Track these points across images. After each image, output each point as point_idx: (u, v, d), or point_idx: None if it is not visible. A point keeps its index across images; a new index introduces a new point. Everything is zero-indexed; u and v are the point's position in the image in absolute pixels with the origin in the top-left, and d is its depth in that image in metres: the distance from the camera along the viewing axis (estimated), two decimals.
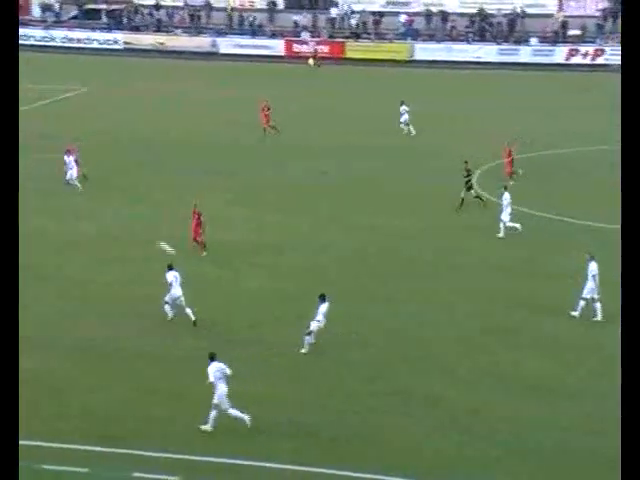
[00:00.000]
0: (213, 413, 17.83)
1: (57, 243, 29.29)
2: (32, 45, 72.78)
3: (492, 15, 71.75)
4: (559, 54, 67.44)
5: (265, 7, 75.82)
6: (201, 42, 72.99)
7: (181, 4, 77.21)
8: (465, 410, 19.34)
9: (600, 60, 66.07)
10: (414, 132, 44.85)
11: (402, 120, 45.22)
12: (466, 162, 33.30)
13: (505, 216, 29.88)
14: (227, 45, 72.59)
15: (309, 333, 21.45)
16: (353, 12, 74.10)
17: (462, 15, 72.16)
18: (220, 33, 73.96)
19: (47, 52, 71.42)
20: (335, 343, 22.02)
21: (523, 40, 69.24)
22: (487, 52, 68.64)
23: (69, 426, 18.11)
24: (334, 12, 74.46)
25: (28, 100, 51.10)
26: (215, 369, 17.84)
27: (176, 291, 22.98)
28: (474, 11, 71.96)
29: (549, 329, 23.23)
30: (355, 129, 46.24)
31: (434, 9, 72.71)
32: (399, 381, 20.45)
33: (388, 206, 33.63)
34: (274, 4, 75.77)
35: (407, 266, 27.62)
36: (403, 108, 45.44)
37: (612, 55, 65.35)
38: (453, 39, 70.66)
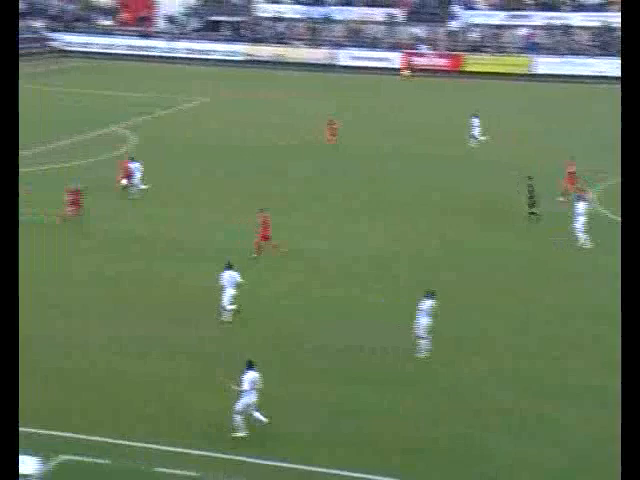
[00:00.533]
0: (238, 418, 17.69)
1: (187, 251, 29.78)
2: (157, 56, 75.08)
3: (617, 29, 70.14)
4: None
5: (384, 20, 76.06)
6: (320, 54, 73.72)
7: (301, 16, 78.20)
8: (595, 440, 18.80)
9: None
10: (475, 144, 43.47)
11: (473, 133, 43.90)
12: (530, 177, 32.66)
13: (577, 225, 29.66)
14: (345, 57, 73.12)
15: (420, 337, 21.24)
16: (473, 25, 73.63)
17: (585, 29, 70.85)
18: (339, 45, 74.58)
19: (171, 63, 73.34)
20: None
21: None
22: (609, 66, 67.11)
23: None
24: (454, 25, 74.11)
25: (150, 109, 52.70)
26: (251, 378, 17.71)
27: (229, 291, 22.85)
28: (598, 24, 70.55)
29: None
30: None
31: (556, 22, 71.61)
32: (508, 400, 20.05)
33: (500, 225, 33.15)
34: (393, 17, 75.93)
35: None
36: (475, 121, 44.10)
37: None
38: (575, 53, 69.40)
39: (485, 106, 54.01)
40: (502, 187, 36.75)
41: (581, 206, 29.91)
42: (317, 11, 78.06)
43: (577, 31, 70.78)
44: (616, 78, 64.71)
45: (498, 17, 74.20)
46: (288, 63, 72.65)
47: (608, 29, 69.93)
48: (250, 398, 17.71)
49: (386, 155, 42.60)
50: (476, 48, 72.35)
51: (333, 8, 77.84)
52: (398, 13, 76.24)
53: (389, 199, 35.09)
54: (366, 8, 77.34)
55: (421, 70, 69.66)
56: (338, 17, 76.93)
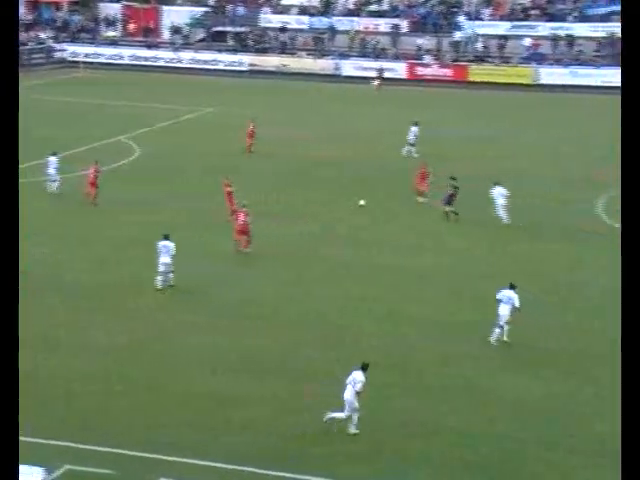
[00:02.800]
0: (355, 417, 18.54)
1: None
2: (161, 66, 75.19)
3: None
4: None
5: (389, 30, 76.11)
6: (324, 64, 73.76)
7: (305, 27, 78.29)
8: None
9: None
10: (416, 155, 43.02)
11: (409, 141, 43.70)
12: (453, 178, 34.16)
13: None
14: (350, 67, 73.16)
15: (501, 326, 22.94)
16: (477, 35, 73.63)
17: (590, 39, 70.78)
18: (343, 56, 74.62)
19: (175, 73, 73.45)
20: None
21: None
22: (615, 77, 66.98)
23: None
24: (458, 35, 74.12)
25: (154, 120, 52.80)
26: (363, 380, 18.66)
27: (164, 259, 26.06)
28: (603, 35, 70.48)
29: None
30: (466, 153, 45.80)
31: (561, 33, 71.58)
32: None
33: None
34: (397, 27, 75.98)
35: None
36: (414, 129, 43.89)
37: None
38: (580, 63, 69.32)
39: (489, 116, 54.03)
40: None
41: (496, 191, 33.26)
42: (322, 22, 78.16)
43: (582, 41, 70.66)
44: (619, 88, 64.78)
45: (503, 27, 74.18)
46: (292, 73, 72.71)
47: (613, 40, 69.85)
48: (356, 402, 18.59)
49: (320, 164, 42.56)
50: (480, 59, 72.32)
51: (338, 19, 77.92)
52: (402, 24, 76.28)
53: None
54: (371, 19, 77.42)
55: (426, 80, 69.61)
56: (343, 28, 76.99)
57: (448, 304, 25.94)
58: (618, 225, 32.09)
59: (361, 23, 77.08)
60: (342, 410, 18.58)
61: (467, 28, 74.13)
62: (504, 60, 71.67)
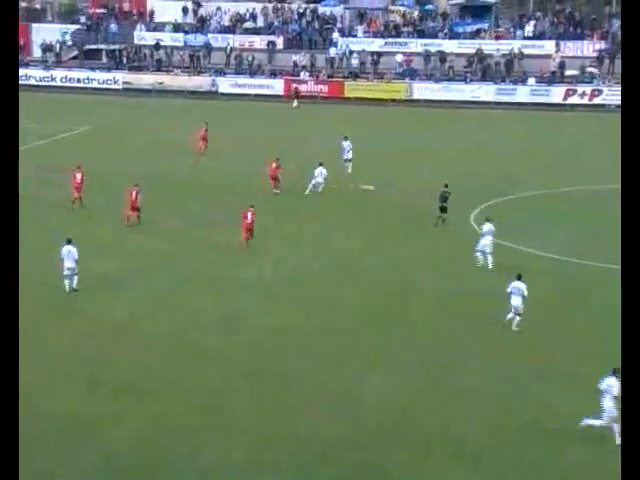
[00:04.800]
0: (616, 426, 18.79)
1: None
2: (32, 85, 73.32)
3: (490, 55, 72.35)
4: (556, 94, 67.84)
5: (264, 47, 76.42)
6: (200, 81, 73.45)
7: (181, 44, 77.82)
8: None
9: (597, 100, 66.49)
10: (350, 171, 44.04)
11: (344, 157, 44.53)
12: (446, 185, 35.31)
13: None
14: (226, 84, 73.09)
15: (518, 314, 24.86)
16: (352, 52, 74.71)
17: (460, 55, 72.76)
18: (219, 73, 74.50)
19: (48, 92, 71.80)
20: None
21: (521, 80, 69.72)
22: (485, 91, 69.10)
23: None
24: (333, 52, 75.03)
25: (26, 139, 51.38)
26: (609, 383, 19.13)
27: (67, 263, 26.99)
28: (472, 51, 72.58)
29: None
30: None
31: (432, 49, 73.35)
32: None
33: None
34: (273, 44, 76.38)
35: None
36: (347, 144, 44.85)
37: (609, 95, 65.82)
38: (451, 79, 71.18)
39: (361, 131, 54.78)
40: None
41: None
42: (197, 39, 77.87)
43: (452, 57, 72.54)
44: (490, 103, 66.98)
45: (377, 44, 75.49)
46: (168, 91, 72.11)
47: (483, 56, 72.03)
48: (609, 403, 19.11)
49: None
50: (356, 75, 73.38)
51: (213, 35, 77.78)
52: (278, 40, 76.73)
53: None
54: (246, 35, 77.58)
55: (302, 97, 70.08)
56: (218, 45, 76.89)
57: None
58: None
59: (237, 40, 77.16)
60: (600, 418, 19.12)
61: (341, 44, 75.18)
62: (378, 76, 72.91)
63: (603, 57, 69.88)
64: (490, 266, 30.19)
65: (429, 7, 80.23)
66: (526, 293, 24.94)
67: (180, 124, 57.52)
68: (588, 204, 39.19)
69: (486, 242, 30.64)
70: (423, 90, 70.27)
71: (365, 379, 22.22)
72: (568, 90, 67.55)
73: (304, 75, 73.02)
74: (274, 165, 40.95)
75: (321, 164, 40.76)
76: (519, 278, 25.28)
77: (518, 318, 25.22)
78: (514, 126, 60.16)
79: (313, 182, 40.59)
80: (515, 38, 74.25)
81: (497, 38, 74.42)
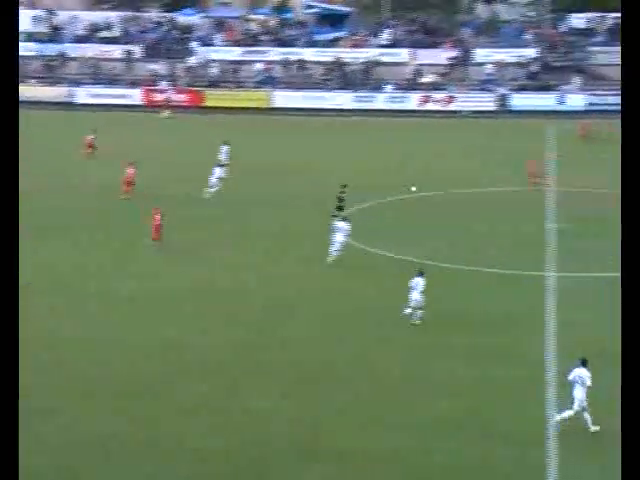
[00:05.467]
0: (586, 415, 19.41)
1: None
2: None
3: (348, 63, 73.55)
4: (413, 101, 69.61)
5: (122, 56, 75.34)
6: (57, 92, 71.78)
7: (34, 54, 75.76)
8: None
9: (452, 106, 68.60)
10: (224, 175, 44.09)
11: (221, 161, 45.03)
12: (344, 185, 37.28)
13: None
14: (84, 95, 71.68)
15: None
16: (211, 61, 74.57)
17: (319, 63, 73.69)
18: (76, 83, 72.99)
19: None
20: None
21: (378, 87, 71.18)
22: (344, 99, 70.22)
23: None
24: (192, 61, 74.69)
25: None
26: (577, 373, 19.55)
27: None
28: (331, 59, 73.63)
29: None
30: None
31: (292, 57, 74.00)
32: None
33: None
34: (131, 53, 75.40)
35: None
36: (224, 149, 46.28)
37: (463, 102, 68.07)
38: (311, 87, 71.98)
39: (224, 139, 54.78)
40: None
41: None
42: (51, 48, 76.02)
43: (311, 66, 73.41)
44: (349, 110, 68.03)
45: (235, 52, 75.60)
46: (23, 102, 69.93)
47: (341, 64, 73.20)
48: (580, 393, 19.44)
49: None
50: (215, 83, 73.27)
51: (68, 45, 76.12)
52: (136, 49, 75.79)
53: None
54: (103, 45, 76.25)
55: (160, 106, 69.39)
56: (74, 54, 75.33)
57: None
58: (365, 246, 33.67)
59: (93, 49, 75.74)
60: (569, 409, 19.53)
61: (200, 53, 74.93)
62: (239, 85, 73.05)
63: (456, 64, 72.17)
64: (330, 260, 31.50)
65: (287, 16, 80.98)
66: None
67: (38, 137, 56.07)
68: (446, 208, 40.39)
69: (340, 239, 31.73)
70: (283, 98, 70.82)
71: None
72: (424, 97, 69.43)
73: (163, 84, 72.40)
74: (130, 170, 40.89)
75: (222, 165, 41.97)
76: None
77: (420, 312, 25.98)
78: (373, 132, 61.35)
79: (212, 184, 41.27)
80: (372, 46, 75.78)
81: (354, 46, 75.76)
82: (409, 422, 20.54)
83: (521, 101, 67.70)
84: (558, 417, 19.81)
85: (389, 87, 70.54)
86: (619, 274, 28.85)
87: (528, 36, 75.51)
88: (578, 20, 76.73)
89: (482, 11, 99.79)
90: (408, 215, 39.16)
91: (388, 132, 61.45)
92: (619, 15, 76.71)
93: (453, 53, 73.45)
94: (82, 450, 19.06)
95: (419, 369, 23.48)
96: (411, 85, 71.19)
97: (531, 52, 72.75)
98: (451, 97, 68.93)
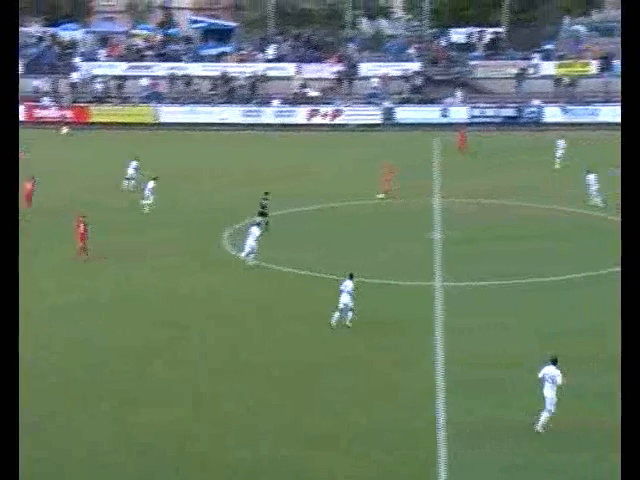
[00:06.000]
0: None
1: None
2: None
3: (235, 78, 73.58)
4: (300, 114, 70.10)
5: None
6: None
7: None
8: None
9: (339, 120, 69.38)
10: (132, 189, 45.34)
11: (129, 175, 46.07)
12: (267, 193, 38.09)
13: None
14: None
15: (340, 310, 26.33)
16: (95, 76, 73.49)
17: (205, 78, 73.52)
18: None
19: None
20: None
21: (265, 102, 71.42)
22: (232, 114, 70.16)
23: None
24: (75, 77, 73.45)
25: None
26: (547, 372, 19.71)
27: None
28: (217, 74, 73.55)
29: None
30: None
31: (177, 72, 73.58)
32: None
33: None
34: None
35: None
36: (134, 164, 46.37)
37: (349, 115, 68.95)
38: (197, 102, 71.69)
39: (114, 156, 54.07)
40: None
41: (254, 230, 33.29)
42: None
43: (198, 81, 73.15)
44: (237, 124, 67.98)
45: (119, 68, 74.74)
46: None
47: (228, 79, 73.17)
48: (549, 392, 19.59)
49: None
50: (100, 99, 72.25)
51: None
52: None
53: None
54: None
55: (46, 122, 68.07)
56: None
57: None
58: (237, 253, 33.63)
59: None
60: (544, 410, 19.62)
61: (84, 69, 73.79)
62: (124, 100, 72.20)
63: (342, 79, 73.06)
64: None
65: (172, 31, 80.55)
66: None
67: None
68: (328, 221, 40.47)
69: (252, 243, 32.61)
70: (169, 114, 70.36)
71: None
72: (311, 111, 69.99)
73: (46, 101, 70.96)
74: (28, 186, 40.56)
75: (155, 179, 41.84)
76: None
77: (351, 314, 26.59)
78: (261, 147, 61.43)
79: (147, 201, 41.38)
80: (258, 61, 76.02)
81: (241, 61, 75.87)
82: (297, 434, 20.52)
83: (406, 114, 68.93)
84: (538, 425, 19.67)
85: (276, 101, 70.88)
86: (499, 282, 29.38)
87: (411, 50, 77.07)
88: (458, 35, 78.79)
89: (366, 26, 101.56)
90: (289, 228, 39.07)
91: (275, 146, 61.62)
92: (498, 30, 79.43)
93: (339, 67, 74.35)
94: None
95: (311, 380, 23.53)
96: (298, 99, 71.69)
97: (415, 66, 74.27)
98: (338, 111, 69.69)
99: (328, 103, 70.96)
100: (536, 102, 68.43)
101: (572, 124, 65.25)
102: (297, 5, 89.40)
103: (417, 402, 22.03)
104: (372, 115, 69.42)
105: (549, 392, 19.64)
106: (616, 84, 70.41)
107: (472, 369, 23.55)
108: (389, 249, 35.51)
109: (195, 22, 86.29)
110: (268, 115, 70.13)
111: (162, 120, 69.90)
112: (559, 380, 19.61)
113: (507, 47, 77.51)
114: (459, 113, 68.23)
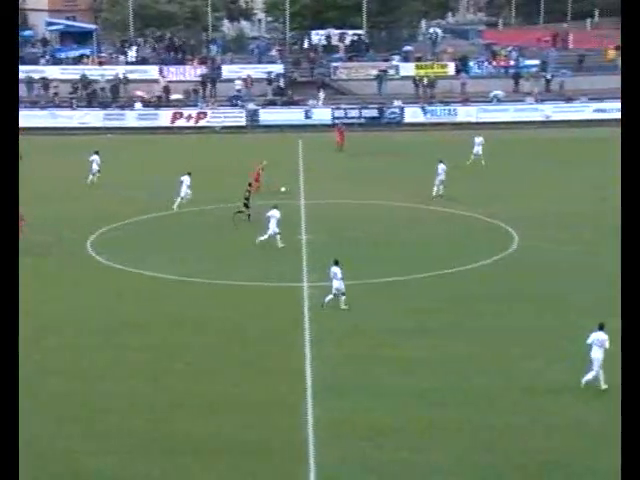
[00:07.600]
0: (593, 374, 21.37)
1: None
2: None
3: (95, 81, 72.17)
4: (164, 117, 69.33)
5: None
6: None
7: None
8: None
9: (203, 122, 68.98)
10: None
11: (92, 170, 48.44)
12: (250, 184, 40.18)
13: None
14: None
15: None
16: None
17: (64, 81, 71.81)
18: None
19: None
20: None
21: (128, 105, 70.30)
22: (93, 117, 68.76)
23: None
24: None
25: None
26: (596, 337, 21.34)
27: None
28: (77, 77, 71.95)
29: None
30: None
31: (35, 76, 71.58)
32: None
33: None
34: None
35: None
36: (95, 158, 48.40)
37: (213, 118, 68.69)
38: (57, 105, 69.91)
39: None
40: None
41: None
42: None
43: (57, 84, 71.34)
44: (99, 128, 66.61)
45: None
46: None
47: (88, 82, 71.68)
48: (597, 354, 21.30)
49: None
50: None
51: None
52: None
53: None
54: None
55: None
56: None
57: None
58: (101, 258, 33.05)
59: None
60: (591, 370, 21.36)
61: None
62: None
63: (205, 81, 72.67)
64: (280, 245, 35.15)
65: (27, 33, 78.33)
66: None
67: None
68: (188, 226, 40.06)
69: (273, 226, 35.07)
70: (26, 118, 67.57)
71: None
72: (175, 114, 69.33)
73: None
74: None
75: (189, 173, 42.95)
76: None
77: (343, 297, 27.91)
78: (125, 151, 60.39)
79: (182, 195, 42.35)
80: (119, 64, 74.77)
81: (100, 64, 74.47)
82: (170, 445, 20.30)
83: (270, 116, 69.14)
84: (583, 380, 21.50)
85: (139, 104, 69.87)
86: (367, 281, 29.84)
87: (274, 52, 77.40)
88: (319, 37, 79.67)
89: (228, 28, 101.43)
90: (153, 232, 38.64)
91: (138, 150, 60.70)
92: (358, 32, 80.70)
93: (202, 70, 73.92)
94: None
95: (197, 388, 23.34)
96: (161, 102, 70.88)
97: (278, 68, 74.60)
98: (202, 113, 69.28)
99: (192, 106, 70.46)
100: (397, 103, 69.86)
101: (432, 124, 66.97)
102: (158, 7, 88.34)
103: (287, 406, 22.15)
104: (237, 117, 69.35)
105: (598, 354, 21.42)
106: (471, 85, 73.11)
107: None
108: (257, 251, 35.54)
109: (52, 24, 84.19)
110: (131, 118, 69.06)
111: (20, 125, 67.72)
112: (606, 344, 21.26)
113: (368, 49, 78.89)
114: (322, 114, 68.94)
